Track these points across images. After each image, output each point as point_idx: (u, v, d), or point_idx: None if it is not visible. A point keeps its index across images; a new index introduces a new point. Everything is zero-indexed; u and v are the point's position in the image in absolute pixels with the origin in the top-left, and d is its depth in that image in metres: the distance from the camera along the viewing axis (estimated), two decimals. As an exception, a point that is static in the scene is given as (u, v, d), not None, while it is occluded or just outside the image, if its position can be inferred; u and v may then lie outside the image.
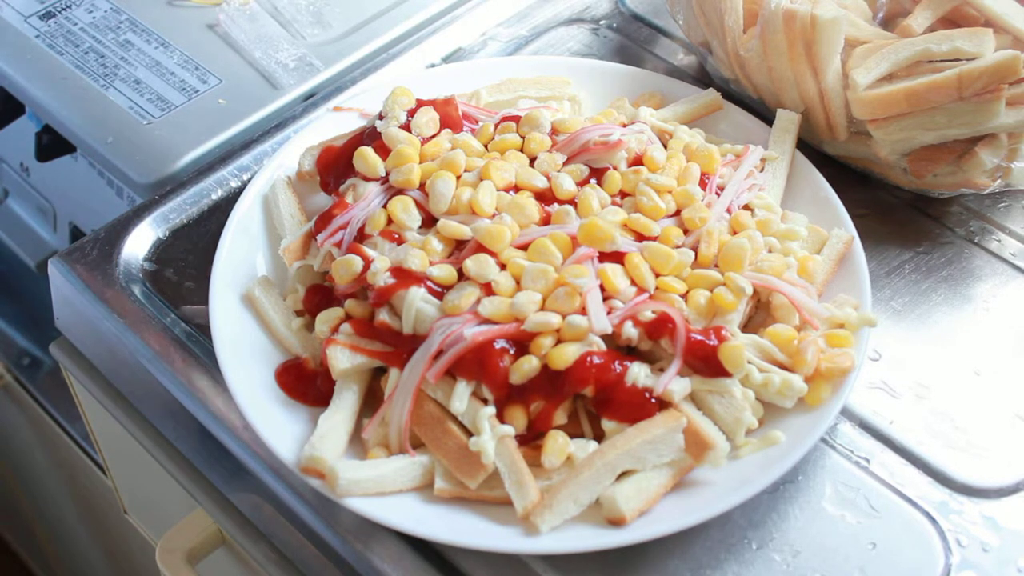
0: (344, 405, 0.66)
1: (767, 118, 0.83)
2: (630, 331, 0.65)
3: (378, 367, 0.67)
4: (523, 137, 0.76)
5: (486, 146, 0.76)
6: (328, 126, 0.82)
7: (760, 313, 0.71)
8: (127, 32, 0.98)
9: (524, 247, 0.69)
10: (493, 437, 0.62)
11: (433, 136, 0.76)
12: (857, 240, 0.74)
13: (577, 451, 0.63)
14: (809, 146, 0.84)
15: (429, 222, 0.71)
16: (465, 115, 0.79)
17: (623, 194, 0.73)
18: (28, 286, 1.19)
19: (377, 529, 0.63)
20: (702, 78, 0.92)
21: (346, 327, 0.68)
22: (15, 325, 1.20)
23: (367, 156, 0.74)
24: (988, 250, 0.81)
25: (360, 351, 0.67)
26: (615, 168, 0.74)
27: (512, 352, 0.64)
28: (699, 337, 0.65)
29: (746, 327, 0.70)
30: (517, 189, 0.72)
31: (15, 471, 1.40)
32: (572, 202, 0.72)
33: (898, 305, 0.77)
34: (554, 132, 0.76)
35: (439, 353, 0.64)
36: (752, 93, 0.86)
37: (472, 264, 0.67)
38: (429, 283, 0.67)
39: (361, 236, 0.70)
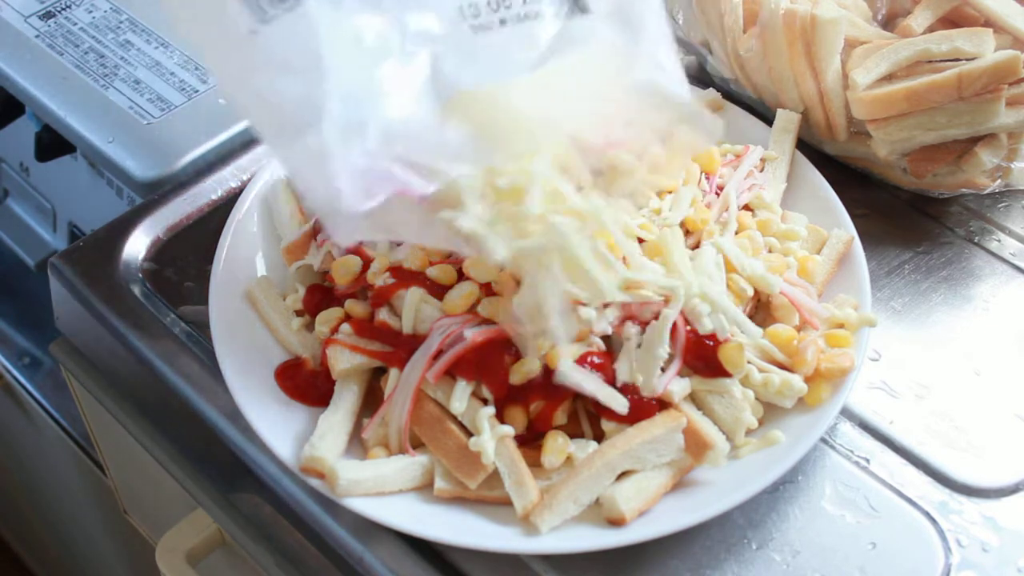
0: (344, 405, 0.66)
1: (767, 118, 0.83)
2: (630, 331, 0.65)
3: (378, 367, 0.67)
4: (523, 137, 0.76)
5: (486, 146, 0.76)
6: (328, 126, 0.82)
7: (760, 313, 0.71)
8: (127, 32, 0.98)
9: (524, 247, 0.68)
10: (493, 437, 0.62)
11: (433, 136, 0.76)
12: (857, 240, 0.75)
13: (577, 451, 0.63)
14: (809, 146, 0.84)
15: (429, 222, 0.71)
16: (465, 115, 0.79)
17: (623, 194, 0.73)
18: (28, 286, 1.19)
19: (377, 529, 0.63)
20: (702, 78, 0.92)
21: (346, 327, 0.68)
22: (15, 325, 1.20)
23: (367, 156, 0.74)
24: (988, 250, 0.81)
25: (360, 351, 0.67)
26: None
27: (512, 352, 0.64)
28: (699, 337, 0.65)
29: (746, 327, 0.70)
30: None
31: (15, 471, 1.40)
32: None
33: (898, 305, 0.77)
34: (554, 132, 0.76)
35: (439, 353, 0.64)
36: (752, 93, 0.86)
37: (472, 264, 0.67)
38: (429, 283, 0.67)
39: (361, 236, 0.70)
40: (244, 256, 0.75)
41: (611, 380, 0.64)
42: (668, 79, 0.63)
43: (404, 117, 0.57)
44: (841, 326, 0.70)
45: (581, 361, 0.63)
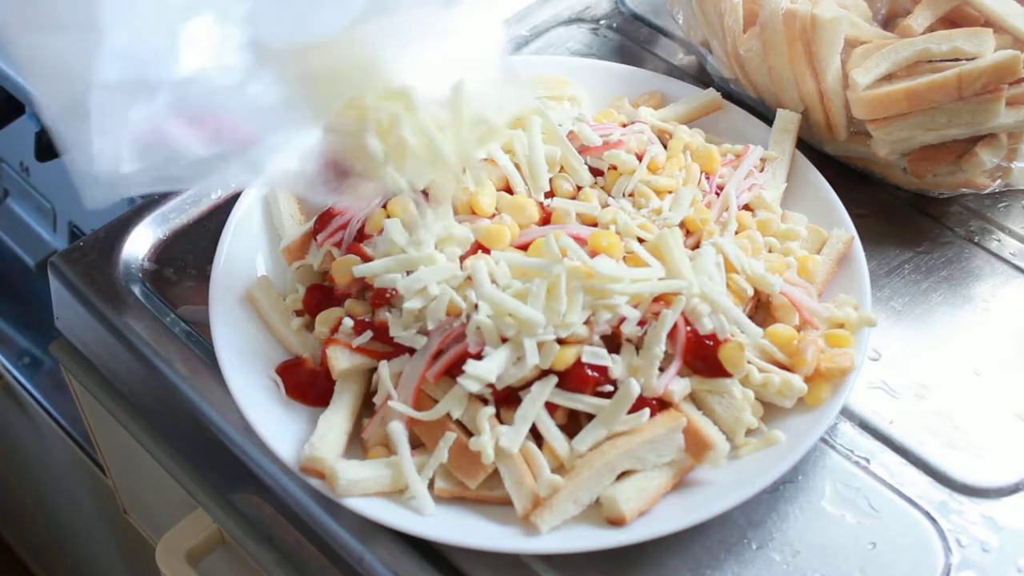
0: (344, 405, 0.66)
1: (767, 118, 0.83)
2: (630, 331, 0.65)
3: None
4: (523, 137, 0.76)
5: (486, 146, 0.76)
6: (328, 126, 0.82)
7: (760, 313, 0.71)
8: (127, 32, 0.97)
9: (524, 247, 0.69)
10: (493, 437, 0.62)
11: (433, 136, 0.76)
12: (857, 240, 0.75)
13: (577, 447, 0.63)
14: (809, 146, 0.84)
15: (429, 222, 0.71)
16: (465, 115, 0.79)
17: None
18: (28, 286, 1.19)
19: (377, 529, 0.63)
20: (702, 78, 0.92)
21: (346, 326, 0.68)
22: (15, 325, 1.20)
23: (367, 156, 0.74)
24: (988, 250, 0.81)
25: (360, 351, 0.67)
26: (614, 168, 0.74)
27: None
28: (699, 337, 0.65)
29: (746, 327, 0.70)
30: (517, 189, 0.72)
31: (15, 471, 1.40)
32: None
33: (898, 305, 0.77)
34: (554, 132, 0.76)
35: (439, 353, 0.64)
36: (752, 93, 0.86)
37: (472, 264, 0.67)
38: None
39: (361, 236, 0.70)
40: (244, 256, 0.75)
41: (611, 382, 0.64)
42: (482, 48, 0.64)
43: (205, 75, 0.57)
44: (841, 326, 0.70)
45: (579, 366, 0.63)
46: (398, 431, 0.63)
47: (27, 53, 0.58)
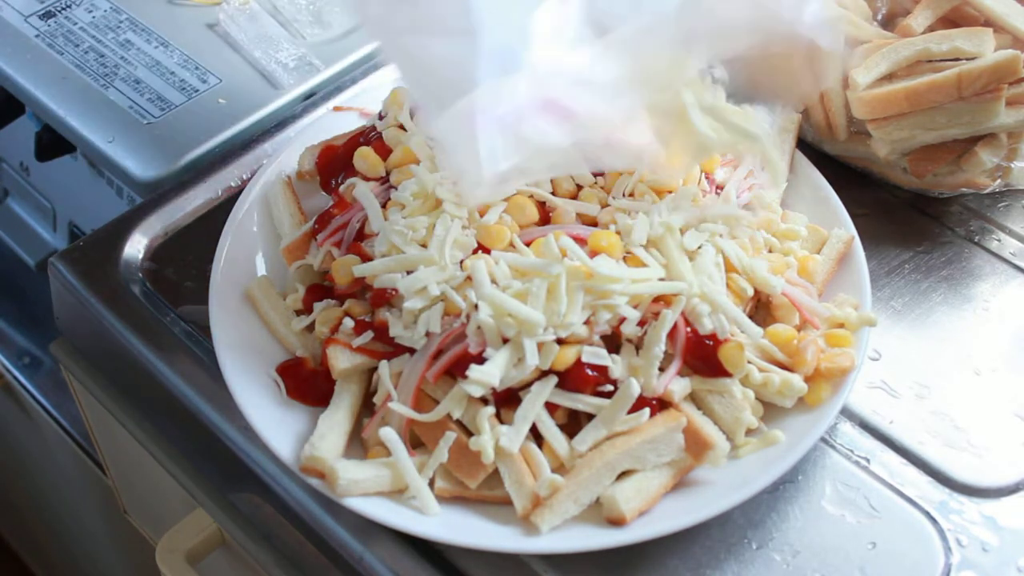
0: (344, 405, 0.66)
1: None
2: (630, 331, 0.65)
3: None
4: (523, 137, 0.76)
5: (486, 146, 0.76)
6: (328, 126, 0.82)
7: (760, 313, 0.71)
8: (127, 32, 0.98)
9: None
10: (493, 437, 0.62)
11: (433, 136, 0.76)
12: (857, 240, 0.75)
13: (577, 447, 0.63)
14: (809, 146, 0.84)
15: (429, 222, 0.71)
16: (465, 115, 0.78)
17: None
18: (28, 286, 1.19)
19: (377, 529, 0.63)
20: (702, 78, 0.92)
21: (346, 326, 0.68)
22: (15, 325, 1.20)
23: (367, 156, 0.74)
24: (988, 250, 0.81)
25: (360, 351, 0.66)
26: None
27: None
28: (699, 337, 0.65)
29: (746, 327, 0.70)
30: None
31: (15, 471, 1.40)
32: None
33: (898, 305, 0.77)
34: (554, 132, 0.76)
35: (439, 353, 0.64)
36: (752, 93, 0.87)
37: (472, 264, 0.67)
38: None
39: (361, 236, 0.70)
40: (244, 256, 0.75)
41: (611, 382, 0.64)
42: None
43: (557, 60, 0.58)
44: (841, 326, 0.70)
45: (579, 366, 0.63)
46: (392, 438, 0.63)
47: (411, 60, 0.59)
